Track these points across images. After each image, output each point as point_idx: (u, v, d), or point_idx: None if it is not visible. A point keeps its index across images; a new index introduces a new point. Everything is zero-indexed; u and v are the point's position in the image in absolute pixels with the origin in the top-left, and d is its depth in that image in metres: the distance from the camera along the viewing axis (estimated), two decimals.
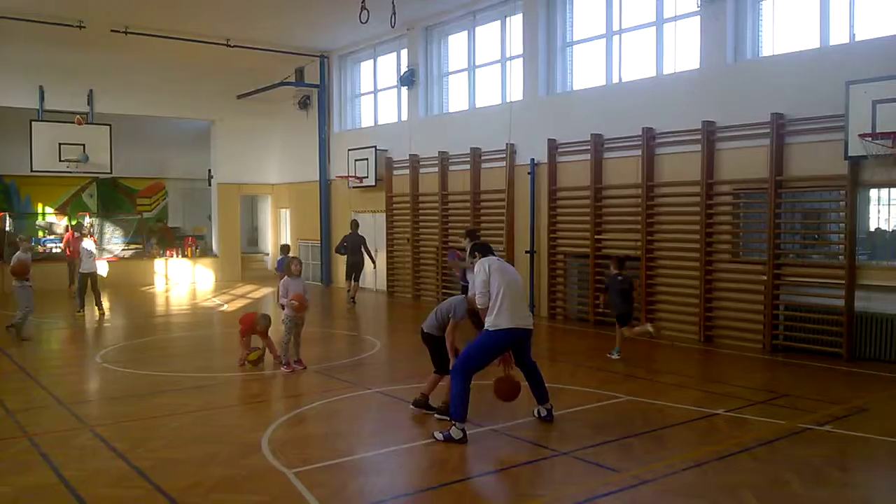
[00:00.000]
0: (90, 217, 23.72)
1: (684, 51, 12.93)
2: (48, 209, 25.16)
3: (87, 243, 15.32)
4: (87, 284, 15.09)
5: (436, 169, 17.43)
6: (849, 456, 6.65)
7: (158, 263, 22.63)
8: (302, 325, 10.05)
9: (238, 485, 5.74)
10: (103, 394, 9.01)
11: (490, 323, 6.99)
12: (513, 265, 7.98)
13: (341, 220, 21.09)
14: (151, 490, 5.63)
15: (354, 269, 17.14)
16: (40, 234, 23.66)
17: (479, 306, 7.11)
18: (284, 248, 16.37)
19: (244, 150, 23.63)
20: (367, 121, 21.07)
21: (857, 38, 10.78)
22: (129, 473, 5.99)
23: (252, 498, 5.47)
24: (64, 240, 20.40)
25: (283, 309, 10.08)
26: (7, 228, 22.18)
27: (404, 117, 19.04)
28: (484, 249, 7.43)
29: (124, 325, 14.86)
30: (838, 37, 11.04)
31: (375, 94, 20.64)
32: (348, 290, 17.07)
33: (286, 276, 10.18)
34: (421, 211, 18.14)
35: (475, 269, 7.11)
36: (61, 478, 5.86)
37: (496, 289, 6.92)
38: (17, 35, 18.33)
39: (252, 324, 10.18)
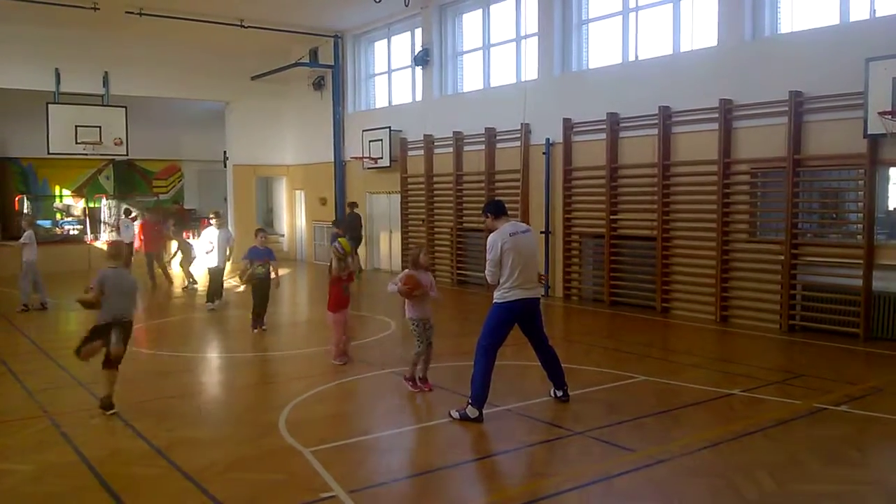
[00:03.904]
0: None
1: (701, 28, 12.77)
2: (65, 191, 25.37)
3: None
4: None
5: (450, 149, 17.38)
6: (865, 436, 6.62)
7: (174, 245, 22.71)
8: (431, 330, 8.02)
9: (255, 464, 5.80)
10: (122, 374, 9.05)
11: (499, 296, 7.01)
12: (527, 224, 7.89)
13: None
14: (170, 468, 5.69)
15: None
16: (58, 216, 23.85)
17: (489, 281, 7.11)
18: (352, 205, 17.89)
19: (259, 132, 23.64)
20: (381, 101, 21.01)
21: (878, 14, 10.60)
22: (147, 452, 6.07)
23: (269, 476, 5.52)
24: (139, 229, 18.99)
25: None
26: (25, 211, 22.40)
27: (418, 97, 18.97)
28: (496, 209, 7.28)
29: (141, 307, 14.98)
30: (858, 13, 10.87)
31: (389, 75, 20.56)
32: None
33: (411, 269, 8.09)
34: (435, 191, 18.11)
35: (487, 245, 7.09)
36: (81, 456, 5.94)
37: (507, 265, 6.92)
38: (33, 17, 18.36)
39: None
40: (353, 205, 19.29)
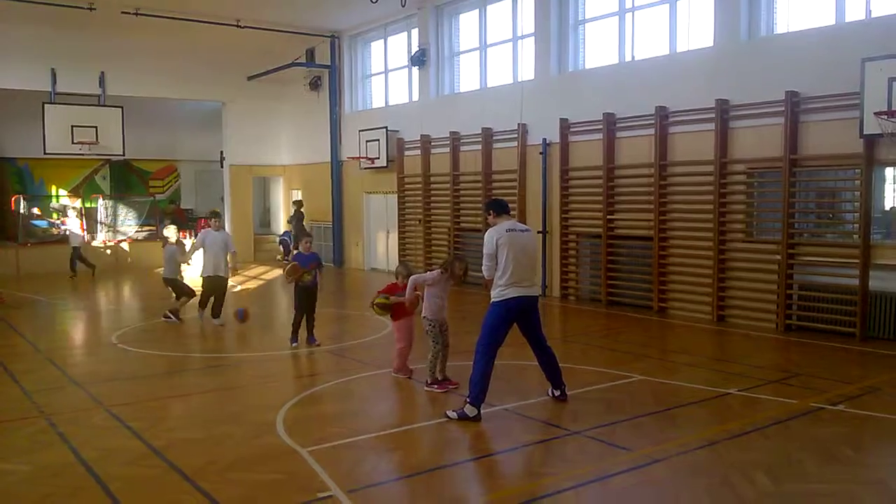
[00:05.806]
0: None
1: (698, 28, 12.79)
2: (62, 191, 25.34)
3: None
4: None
5: (447, 149, 17.39)
6: (861, 435, 6.64)
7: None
8: (447, 332, 8.13)
9: (253, 463, 5.79)
10: (119, 374, 9.08)
11: (496, 294, 7.02)
12: (525, 224, 7.98)
13: (353, 201, 21.13)
14: (167, 469, 5.69)
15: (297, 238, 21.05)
16: (54, 216, 23.82)
17: (485, 276, 7.12)
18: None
19: (255, 132, 23.63)
20: (378, 101, 21.00)
21: (874, 15, 10.63)
22: (145, 452, 6.06)
23: (267, 476, 5.52)
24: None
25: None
26: (22, 211, 22.36)
27: (415, 98, 18.98)
28: (498, 207, 7.32)
29: (139, 307, 14.97)
30: (854, 13, 10.90)
31: (386, 75, 20.56)
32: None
33: (440, 272, 8.01)
34: (432, 192, 18.12)
35: (484, 240, 7.11)
36: (78, 457, 5.93)
37: (503, 261, 6.93)
38: (29, 18, 18.33)
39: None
40: (300, 203, 21.45)
